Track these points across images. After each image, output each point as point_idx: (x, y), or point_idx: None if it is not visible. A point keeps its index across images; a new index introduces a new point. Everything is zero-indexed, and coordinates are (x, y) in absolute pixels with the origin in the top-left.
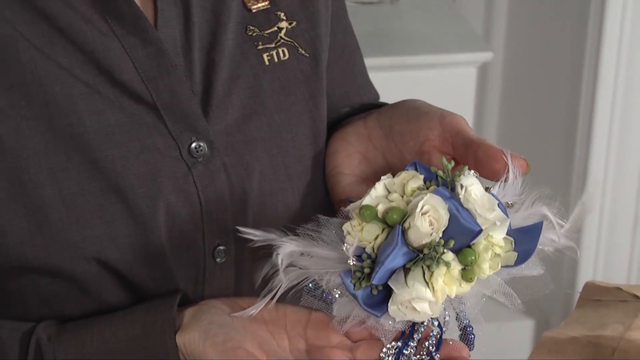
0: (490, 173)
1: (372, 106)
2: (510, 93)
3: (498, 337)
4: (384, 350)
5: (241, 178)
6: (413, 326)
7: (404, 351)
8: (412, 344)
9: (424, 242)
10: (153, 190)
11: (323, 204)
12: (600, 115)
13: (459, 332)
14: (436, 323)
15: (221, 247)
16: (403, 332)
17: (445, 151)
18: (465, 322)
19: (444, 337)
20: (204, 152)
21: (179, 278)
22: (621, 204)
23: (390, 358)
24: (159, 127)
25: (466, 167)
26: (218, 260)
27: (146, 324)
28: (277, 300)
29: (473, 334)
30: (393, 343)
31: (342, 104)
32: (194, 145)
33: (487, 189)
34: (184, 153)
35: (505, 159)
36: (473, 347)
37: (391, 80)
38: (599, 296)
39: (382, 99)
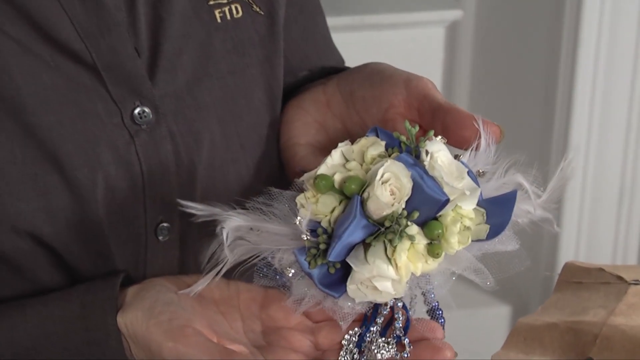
0: (460, 141)
1: (334, 70)
2: (482, 55)
3: (471, 324)
4: (346, 337)
5: (189, 148)
6: (375, 308)
7: (366, 338)
8: (374, 328)
9: (384, 213)
10: (91, 159)
11: (278, 177)
12: (581, 75)
13: (427, 315)
14: (400, 304)
15: (164, 224)
16: (365, 316)
17: (411, 118)
18: (433, 303)
19: (412, 318)
20: (149, 118)
21: (118, 257)
22: (605, 174)
23: (352, 346)
24: (99, 90)
25: (432, 132)
26: (161, 238)
27: (85, 303)
28: (229, 278)
29: (443, 318)
30: (356, 329)
31: (301, 67)
32: (137, 110)
33: (456, 157)
34: (126, 119)
35: (476, 125)
36: (444, 320)
37: (349, 43)
38: (579, 278)
39: None
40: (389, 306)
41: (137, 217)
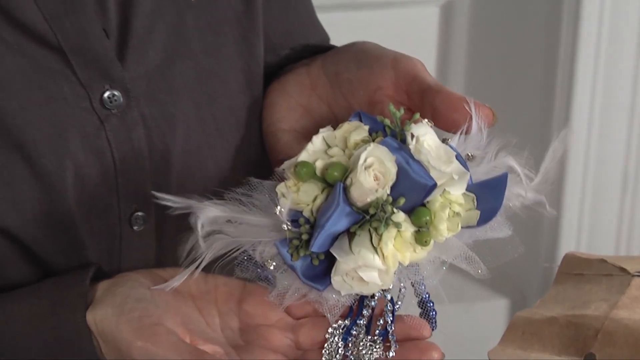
0: (450, 124)
1: (318, 49)
2: (478, 35)
3: (467, 318)
4: (329, 330)
5: (163, 132)
6: (362, 300)
7: (352, 331)
8: (361, 321)
9: (369, 200)
10: (59, 147)
11: (259, 163)
12: (583, 56)
13: (419, 309)
14: (389, 296)
15: (139, 213)
16: (351, 309)
17: (400, 100)
18: (423, 295)
19: (401, 313)
20: (119, 102)
21: (91, 249)
22: (608, 160)
23: (336, 339)
24: (65, 73)
25: (417, 115)
26: (136, 228)
27: (54, 300)
28: (206, 272)
29: (434, 310)
30: (340, 322)
31: (283, 44)
32: (107, 94)
33: (444, 140)
34: (95, 103)
35: (467, 108)
36: (435, 326)
37: (339, 22)
38: (580, 270)
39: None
40: (375, 298)
41: (109, 206)
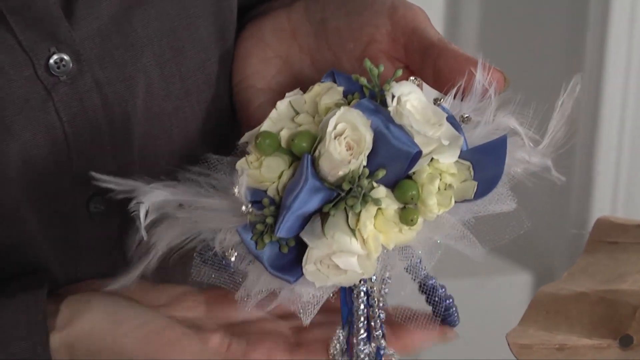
0: (452, 89)
1: None
2: None
3: (484, 295)
4: (331, 350)
5: (122, 98)
6: (349, 293)
7: (361, 342)
8: (361, 325)
9: (341, 173)
10: None
11: (233, 131)
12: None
13: (420, 293)
14: (364, 288)
15: (98, 196)
16: (345, 312)
17: (397, 57)
18: (430, 281)
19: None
20: (68, 67)
21: (43, 242)
22: None
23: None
24: (4, 37)
25: (400, 71)
26: (94, 212)
27: (5, 327)
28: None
29: (451, 298)
30: (338, 335)
31: None
32: (53, 58)
33: (435, 101)
34: (39, 71)
35: (473, 71)
36: (458, 321)
37: None
38: (614, 237)
39: None
40: (360, 289)
41: (63, 190)
